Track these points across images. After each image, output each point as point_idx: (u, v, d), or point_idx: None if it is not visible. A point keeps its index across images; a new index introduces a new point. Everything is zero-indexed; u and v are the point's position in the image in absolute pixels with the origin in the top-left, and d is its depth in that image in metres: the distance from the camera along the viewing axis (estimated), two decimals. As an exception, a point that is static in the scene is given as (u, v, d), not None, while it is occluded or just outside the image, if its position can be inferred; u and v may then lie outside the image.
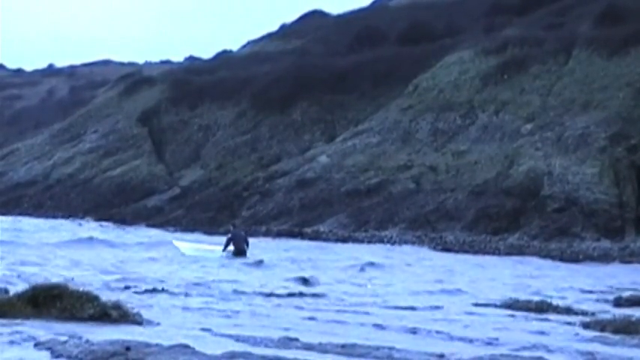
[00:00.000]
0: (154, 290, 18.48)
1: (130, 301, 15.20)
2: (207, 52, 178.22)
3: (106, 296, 14.06)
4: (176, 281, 21.34)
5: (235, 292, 19.59)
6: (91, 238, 36.67)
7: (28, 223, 48.60)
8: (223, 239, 33.28)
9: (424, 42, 61.04)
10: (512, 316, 16.93)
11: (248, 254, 31.77)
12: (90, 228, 46.17)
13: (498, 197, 43.97)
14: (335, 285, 23.06)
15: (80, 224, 50.10)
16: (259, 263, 29.16)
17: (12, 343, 10.69)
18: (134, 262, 28.12)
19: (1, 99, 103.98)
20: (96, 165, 62.71)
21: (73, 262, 26.36)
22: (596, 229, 40.50)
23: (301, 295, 19.43)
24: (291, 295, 19.30)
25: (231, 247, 31.99)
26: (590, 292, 23.71)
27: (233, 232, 33.13)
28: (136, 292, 18.09)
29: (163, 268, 26.26)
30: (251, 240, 33.80)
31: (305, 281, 23.18)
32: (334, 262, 31.38)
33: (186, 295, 18.38)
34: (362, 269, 28.78)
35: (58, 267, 24.70)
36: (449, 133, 50.65)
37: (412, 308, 17.85)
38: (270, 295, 19.10)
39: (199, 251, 32.18)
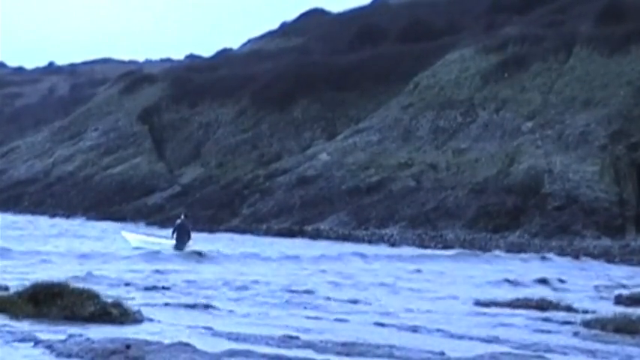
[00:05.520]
0: (154, 288, 18.47)
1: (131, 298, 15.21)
2: (207, 50, 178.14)
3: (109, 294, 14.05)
4: (176, 280, 21.31)
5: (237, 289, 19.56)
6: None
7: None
8: (223, 236, 33.37)
9: (425, 40, 60.96)
10: (513, 314, 16.91)
11: (187, 246, 32.06)
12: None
13: (499, 195, 43.93)
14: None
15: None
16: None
17: (12, 341, 10.66)
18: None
19: (2, 97, 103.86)
20: (96, 163, 62.66)
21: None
22: (597, 227, 40.47)
23: None
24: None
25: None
26: (591, 290, 23.68)
27: (179, 224, 33.28)
28: (137, 290, 18.08)
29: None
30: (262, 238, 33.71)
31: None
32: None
33: (189, 293, 18.36)
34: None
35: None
36: (449, 130, 50.60)
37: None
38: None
39: (146, 243, 33.04)
